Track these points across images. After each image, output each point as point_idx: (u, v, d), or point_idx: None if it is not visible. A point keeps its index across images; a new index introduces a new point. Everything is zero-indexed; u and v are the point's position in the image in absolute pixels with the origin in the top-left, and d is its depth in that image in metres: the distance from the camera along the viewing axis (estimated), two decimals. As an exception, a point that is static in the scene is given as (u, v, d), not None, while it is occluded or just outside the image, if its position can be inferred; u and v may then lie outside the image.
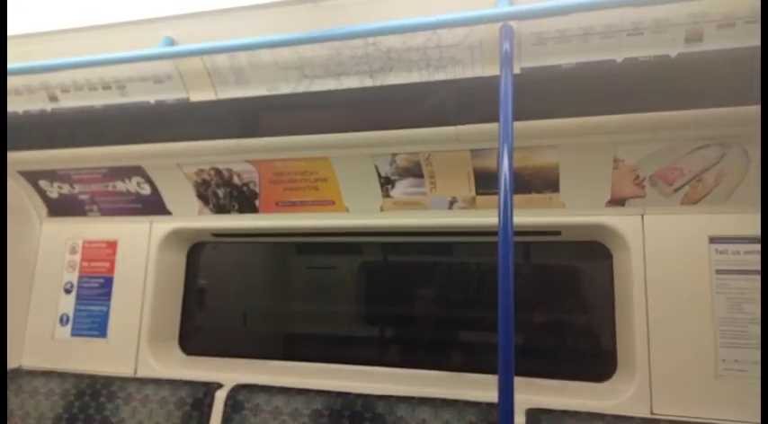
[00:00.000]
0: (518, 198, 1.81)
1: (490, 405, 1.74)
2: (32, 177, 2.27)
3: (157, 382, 2.05)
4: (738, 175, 1.63)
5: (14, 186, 2.29)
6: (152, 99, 1.78)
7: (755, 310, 1.64)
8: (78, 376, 2.13)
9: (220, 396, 1.96)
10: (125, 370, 2.17)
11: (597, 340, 2.37)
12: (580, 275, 2.88)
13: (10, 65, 1.65)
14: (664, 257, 1.73)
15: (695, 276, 1.70)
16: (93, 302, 2.29)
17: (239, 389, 1.96)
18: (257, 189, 2.07)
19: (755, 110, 1.42)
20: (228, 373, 2.09)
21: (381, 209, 1.99)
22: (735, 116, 1.46)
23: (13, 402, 2.10)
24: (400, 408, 1.79)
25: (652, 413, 1.68)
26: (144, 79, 1.74)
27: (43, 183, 2.29)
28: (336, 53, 1.54)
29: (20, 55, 1.68)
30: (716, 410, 1.63)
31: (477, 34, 1.42)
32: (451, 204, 1.92)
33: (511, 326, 1.17)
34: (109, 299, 2.27)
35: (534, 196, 1.82)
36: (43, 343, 2.30)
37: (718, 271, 1.68)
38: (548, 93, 1.52)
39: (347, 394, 1.87)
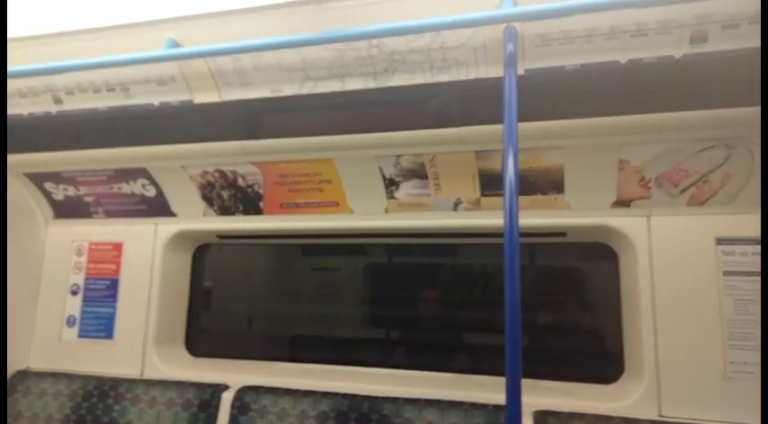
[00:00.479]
0: (523, 199, 1.80)
1: (497, 407, 1.73)
2: (38, 179, 2.28)
3: (164, 383, 2.06)
4: (744, 176, 1.62)
5: (20, 188, 2.30)
6: (156, 101, 1.79)
7: None
8: (86, 378, 2.14)
9: (227, 398, 1.97)
10: (132, 371, 2.18)
11: (604, 342, 2.36)
12: (586, 276, 2.87)
13: (14, 67, 1.65)
14: (670, 258, 1.72)
15: (702, 277, 1.68)
16: (99, 303, 2.30)
17: (246, 391, 1.96)
18: (262, 191, 2.08)
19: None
20: (235, 374, 2.10)
21: (386, 211, 1.99)
22: (740, 117, 1.45)
23: (21, 403, 2.12)
24: (407, 410, 1.79)
25: (660, 415, 1.66)
26: (148, 81, 1.74)
27: (49, 185, 2.30)
28: (340, 55, 1.54)
29: (24, 57, 1.69)
30: (725, 413, 1.61)
31: (480, 36, 1.42)
32: (456, 205, 1.91)
33: (518, 328, 1.17)
34: (115, 301, 2.28)
35: (539, 197, 1.82)
36: (50, 345, 2.31)
37: (726, 273, 1.67)
38: (552, 95, 1.51)
39: (354, 396, 1.87)
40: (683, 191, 1.69)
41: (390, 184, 1.92)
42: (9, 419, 2.09)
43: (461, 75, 1.52)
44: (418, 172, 1.86)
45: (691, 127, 1.53)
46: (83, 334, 2.29)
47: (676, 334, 1.69)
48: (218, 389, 2.00)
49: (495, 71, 1.48)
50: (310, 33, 1.44)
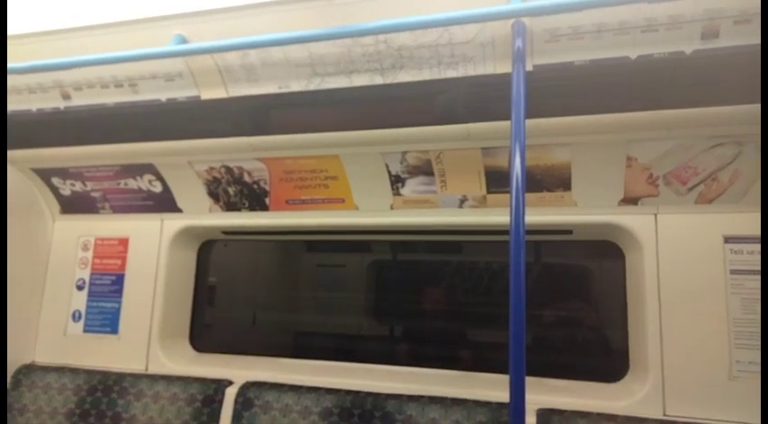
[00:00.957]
0: (529, 196, 1.79)
1: (501, 405, 1.73)
2: (45, 174, 2.29)
3: (168, 378, 2.07)
4: (753, 174, 1.60)
5: (27, 183, 2.31)
6: (163, 97, 1.79)
7: None
8: (90, 372, 2.15)
9: (231, 393, 1.97)
10: (136, 366, 2.18)
11: (609, 340, 2.35)
12: (592, 274, 2.86)
13: (23, 63, 1.66)
14: (677, 257, 1.71)
15: (709, 276, 1.67)
16: (104, 299, 2.31)
17: (249, 386, 1.97)
18: (267, 187, 2.08)
19: None
20: (239, 370, 2.10)
21: (391, 208, 1.98)
22: (751, 113, 1.43)
23: (26, 397, 2.13)
24: (410, 407, 1.79)
25: (665, 414, 1.66)
26: (155, 77, 1.75)
27: (56, 181, 2.31)
28: (347, 51, 1.53)
29: (33, 53, 1.70)
30: (730, 412, 1.61)
31: (489, 31, 1.41)
32: (462, 202, 1.91)
33: (522, 325, 1.17)
34: (120, 296, 2.29)
35: (546, 194, 1.81)
36: (56, 339, 2.32)
37: (733, 271, 1.66)
38: (560, 91, 1.51)
39: (357, 393, 1.87)
40: (691, 189, 1.68)
41: (396, 181, 1.92)
42: (14, 413, 2.10)
43: (469, 70, 1.51)
44: (424, 169, 1.86)
45: (701, 123, 1.51)
46: (88, 329, 2.30)
47: (682, 333, 1.68)
48: (222, 384, 2.00)
49: (504, 67, 1.47)
50: (318, 29, 1.44)
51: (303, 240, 3.57)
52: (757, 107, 1.41)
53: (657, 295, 1.71)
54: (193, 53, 1.60)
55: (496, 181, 1.82)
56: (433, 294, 3.22)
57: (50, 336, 2.33)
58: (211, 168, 2.07)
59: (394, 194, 1.95)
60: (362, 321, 3.79)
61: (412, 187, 1.92)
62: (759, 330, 1.61)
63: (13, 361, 2.22)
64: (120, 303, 2.28)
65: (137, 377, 2.10)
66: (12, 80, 1.85)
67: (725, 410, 1.61)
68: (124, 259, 2.31)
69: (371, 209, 2.01)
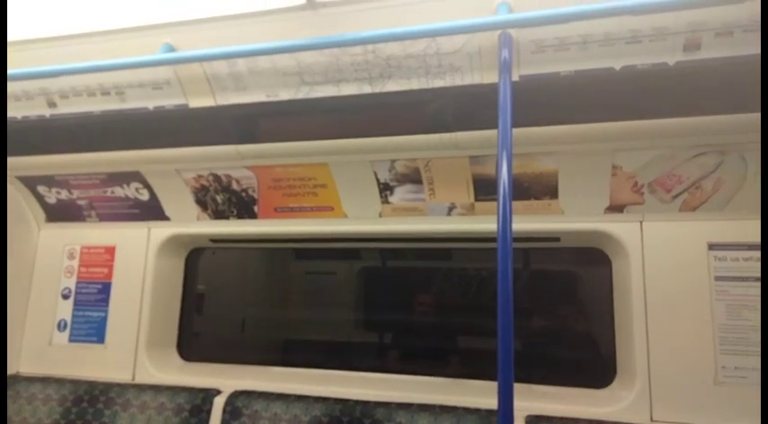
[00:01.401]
0: (517, 204, 1.81)
1: (490, 412, 1.73)
2: (31, 182, 2.27)
3: (156, 388, 2.04)
4: (736, 182, 1.63)
5: (13, 191, 2.29)
6: (151, 105, 1.78)
7: (755, 317, 1.64)
8: (76, 382, 2.12)
9: (219, 402, 1.95)
10: (123, 376, 2.16)
11: (596, 347, 2.37)
12: (579, 281, 2.88)
13: (9, 70, 1.64)
14: (663, 264, 1.73)
15: (694, 282, 1.70)
16: (91, 308, 2.28)
17: (238, 395, 1.95)
18: (256, 195, 2.07)
19: (753, 117, 1.42)
20: (227, 379, 2.08)
21: (380, 215, 1.99)
22: (732, 124, 1.46)
23: (10, 408, 2.09)
24: (399, 414, 1.78)
25: (652, 420, 1.67)
26: (143, 85, 1.74)
27: (41, 189, 2.29)
28: (336, 60, 1.54)
29: (19, 60, 1.68)
30: (716, 418, 1.62)
31: (476, 42, 1.43)
32: (450, 210, 1.92)
33: (510, 332, 1.17)
34: (107, 305, 2.26)
35: (533, 202, 1.83)
36: (41, 349, 2.29)
37: (717, 278, 1.68)
38: (546, 101, 1.52)
39: (346, 401, 1.87)
40: (675, 197, 1.71)
41: (385, 189, 1.93)
42: (-2, 425, 2.08)
43: (457, 80, 1.52)
44: (413, 177, 1.87)
45: (684, 133, 1.54)
46: (74, 338, 2.27)
47: (668, 339, 1.70)
48: (210, 394, 1.99)
49: (490, 77, 1.48)
50: (306, 38, 1.45)
51: (292, 248, 3.56)
52: (739, 117, 1.44)
53: (644, 301, 1.73)
54: (181, 61, 1.60)
55: (484, 188, 1.84)
56: (423, 300, 3.22)
57: (35, 346, 2.30)
58: (199, 176, 2.06)
59: (383, 202, 1.96)
60: (352, 328, 3.78)
61: (400, 195, 1.93)
62: (744, 336, 1.64)
63: None
64: (106, 312, 2.25)
65: (123, 387, 2.07)
66: None
67: (711, 416, 1.63)
68: (111, 267, 2.29)
69: (360, 217, 2.02)
